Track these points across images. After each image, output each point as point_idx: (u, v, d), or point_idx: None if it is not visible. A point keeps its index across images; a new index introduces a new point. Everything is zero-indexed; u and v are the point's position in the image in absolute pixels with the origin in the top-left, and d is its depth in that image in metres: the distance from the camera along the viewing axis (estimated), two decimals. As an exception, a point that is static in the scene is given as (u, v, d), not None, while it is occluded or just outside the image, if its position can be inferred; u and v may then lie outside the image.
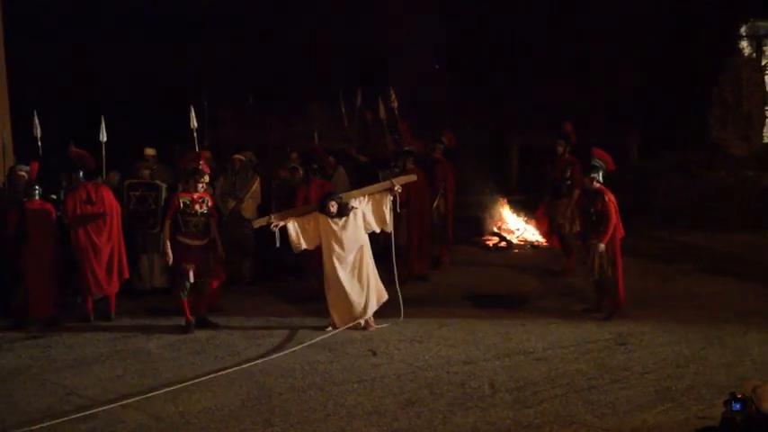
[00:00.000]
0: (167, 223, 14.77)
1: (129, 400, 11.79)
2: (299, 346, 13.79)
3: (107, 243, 15.39)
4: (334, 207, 14.37)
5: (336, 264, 14.47)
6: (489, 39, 24.27)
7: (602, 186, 15.13)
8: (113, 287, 15.52)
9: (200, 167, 15.07)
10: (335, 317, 14.61)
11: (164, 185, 16.70)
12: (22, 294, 15.10)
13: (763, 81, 24.21)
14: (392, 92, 19.24)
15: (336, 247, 14.45)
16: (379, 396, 11.76)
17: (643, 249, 19.27)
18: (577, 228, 15.97)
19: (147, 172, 16.88)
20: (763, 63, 24.78)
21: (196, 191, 14.82)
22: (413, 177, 15.56)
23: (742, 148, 23.34)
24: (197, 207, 14.74)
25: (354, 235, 14.47)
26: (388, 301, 14.83)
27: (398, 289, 14.97)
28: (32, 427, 11.00)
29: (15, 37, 20.62)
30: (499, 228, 21.03)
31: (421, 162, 17.88)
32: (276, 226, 14.53)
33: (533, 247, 20.25)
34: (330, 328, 14.47)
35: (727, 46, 23.98)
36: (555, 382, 12.05)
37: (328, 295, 14.64)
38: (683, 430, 10.42)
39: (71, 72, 23.07)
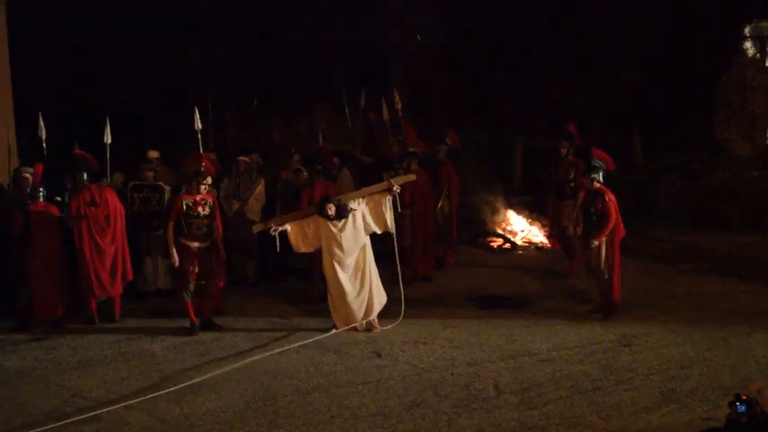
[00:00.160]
0: (170, 225, 14.77)
1: (133, 401, 11.81)
2: (303, 346, 13.79)
3: (111, 245, 15.40)
4: (331, 210, 14.36)
5: (337, 267, 14.46)
6: (489, 39, 24.24)
7: (603, 186, 15.15)
8: (117, 289, 15.52)
9: (203, 169, 15.08)
10: (337, 319, 14.61)
11: (167, 187, 16.70)
12: (27, 296, 15.12)
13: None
14: (396, 93, 19.23)
15: (336, 250, 14.44)
16: (383, 398, 11.76)
17: (646, 250, 19.28)
18: (580, 229, 15.97)
19: (150, 174, 16.88)
20: (766, 64, 24.75)
21: (199, 193, 14.82)
22: (411, 177, 15.53)
23: (746, 148, 23.34)
24: (200, 209, 14.74)
25: (354, 237, 14.45)
26: (392, 302, 14.82)
27: (402, 290, 14.95)
28: (37, 429, 11.02)
29: (19, 38, 20.67)
30: (503, 229, 21.02)
31: (425, 163, 17.88)
32: (275, 231, 14.55)
33: (537, 248, 20.24)
34: (333, 330, 14.47)
35: (730, 46, 23.97)
36: (559, 384, 12.05)
37: (330, 297, 14.65)
38: (687, 432, 10.44)
39: (74, 73, 23.07)
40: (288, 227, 14.57)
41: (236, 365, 13.09)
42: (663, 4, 23.78)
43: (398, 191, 14.63)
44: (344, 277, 14.48)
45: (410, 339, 14.11)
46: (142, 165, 17.15)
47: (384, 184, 14.76)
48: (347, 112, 21.26)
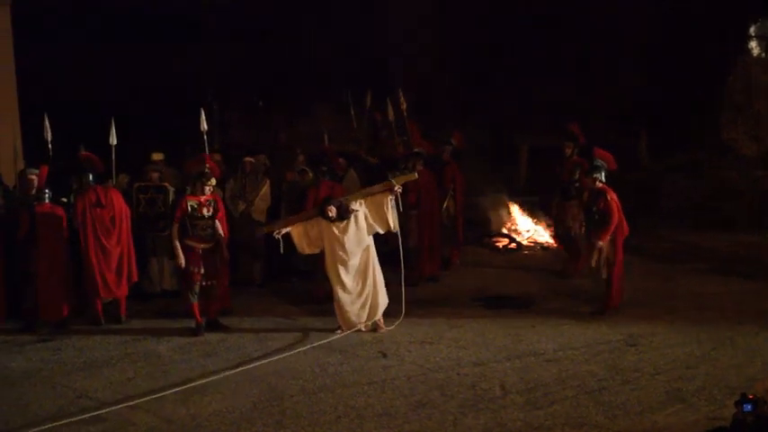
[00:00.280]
0: (175, 227, 14.78)
1: (138, 401, 11.82)
2: (309, 347, 13.80)
3: (116, 246, 15.41)
4: (332, 211, 14.33)
5: (340, 268, 14.45)
6: (492, 38, 24.22)
7: (605, 186, 15.17)
8: (123, 290, 15.54)
9: (207, 170, 15.09)
10: (341, 320, 14.61)
11: (171, 189, 16.71)
12: (33, 297, 15.13)
13: (773, 81, 24.16)
14: (401, 93, 19.23)
15: (339, 252, 14.43)
16: (389, 398, 11.76)
17: (652, 250, 19.27)
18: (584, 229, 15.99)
19: (155, 175, 16.87)
20: (772, 63, 24.73)
21: (203, 194, 14.83)
22: (413, 176, 15.49)
23: (752, 148, 23.30)
24: (204, 210, 14.76)
25: (357, 238, 14.43)
26: (395, 302, 14.81)
27: (403, 291, 14.92)
28: (42, 427, 11.04)
29: (23, 40, 20.69)
30: (509, 229, 21.01)
31: (430, 164, 17.88)
32: (279, 233, 14.57)
33: (543, 248, 20.23)
34: (339, 331, 14.47)
35: (736, 46, 23.94)
36: (566, 384, 12.04)
37: (334, 298, 14.66)
38: (693, 431, 10.40)
39: (79, 75, 23.08)
40: (291, 229, 14.59)
41: (243, 366, 13.09)
42: (667, 3, 23.76)
43: (400, 190, 14.58)
44: (347, 279, 14.47)
45: (416, 339, 14.11)
46: (147, 166, 17.16)
47: (386, 184, 14.71)
48: (352, 112, 21.24)
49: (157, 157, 17.55)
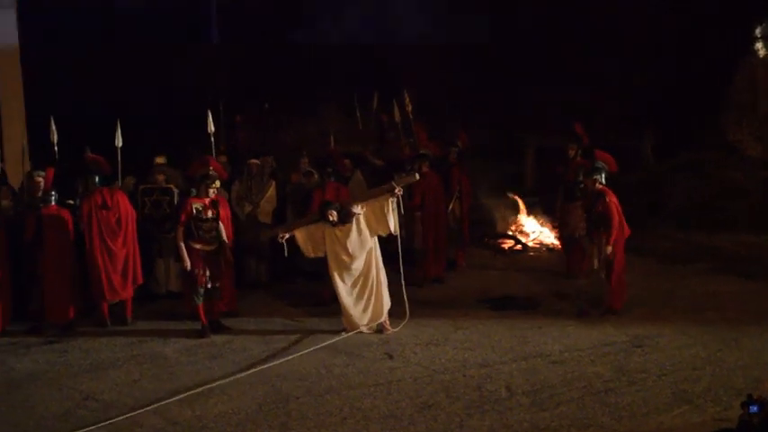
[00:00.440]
0: (180, 229, 14.80)
1: (147, 406, 11.83)
2: (315, 348, 13.80)
3: (122, 248, 15.42)
4: (333, 215, 14.32)
5: (343, 271, 14.47)
6: (499, 39, 24.22)
7: (605, 187, 15.19)
8: (128, 292, 15.55)
9: (211, 172, 15.11)
10: (345, 322, 14.62)
11: (176, 191, 16.72)
12: (39, 299, 15.15)
13: (779, 82, 24.13)
14: (406, 95, 19.23)
15: (342, 254, 14.43)
16: (395, 399, 11.77)
17: (657, 250, 19.24)
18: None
19: (161, 177, 16.88)
20: (778, 64, 24.69)
21: (208, 196, 14.84)
22: (414, 178, 15.48)
23: (757, 149, 23.26)
24: (209, 213, 14.77)
25: (359, 241, 14.42)
26: (399, 303, 14.80)
27: (404, 291, 14.91)
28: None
29: (29, 42, 20.72)
30: (514, 231, 21.00)
31: (436, 165, 17.88)
32: (282, 238, 14.60)
33: (549, 249, 20.21)
34: (344, 332, 14.48)
35: (741, 47, 23.91)
36: (572, 385, 12.04)
37: (339, 300, 14.67)
38: (700, 432, 10.43)
39: (85, 76, 23.11)
40: (296, 233, 14.61)
41: (248, 368, 13.10)
42: (673, 4, 23.73)
43: (401, 192, 14.55)
44: (350, 281, 14.49)
45: (422, 341, 14.11)
46: (152, 168, 17.17)
47: (387, 187, 14.69)
48: (358, 114, 21.25)
49: (160, 160, 17.55)
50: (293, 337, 14.53)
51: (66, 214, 15.32)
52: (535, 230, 20.91)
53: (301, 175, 17.70)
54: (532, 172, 25.04)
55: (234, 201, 17.18)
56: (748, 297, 15.95)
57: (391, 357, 13.44)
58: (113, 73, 23.11)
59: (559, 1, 23.93)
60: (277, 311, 16.09)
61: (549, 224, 20.64)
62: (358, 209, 14.39)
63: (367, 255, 14.48)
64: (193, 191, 15.38)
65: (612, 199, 15.03)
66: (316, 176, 17.28)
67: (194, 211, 14.70)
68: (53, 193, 15.29)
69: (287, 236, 14.61)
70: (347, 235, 14.36)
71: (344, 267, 14.45)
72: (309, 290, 16.82)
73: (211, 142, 17.21)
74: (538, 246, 20.48)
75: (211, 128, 17.14)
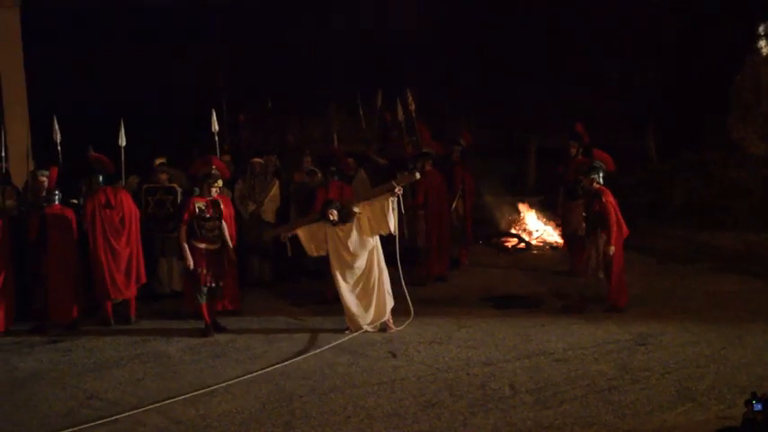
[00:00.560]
0: (183, 228, 14.81)
1: (150, 405, 11.84)
2: (319, 349, 13.80)
3: (126, 247, 15.43)
4: (333, 215, 14.34)
5: (344, 271, 14.48)
6: (502, 38, 24.21)
7: (602, 187, 15.22)
8: (131, 291, 15.56)
9: (214, 172, 15.11)
10: (348, 321, 14.63)
11: (180, 190, 16.72)
12: (43, 298, 15.17)
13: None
14: (409, 94, 19.23)
15: (343, 253, 14.44)
16: (399, 398, 11.77)
17: (660, 249, 19.24)
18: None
19: (164, 176, 16.89)
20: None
21: (210, 195, 14.85)
22: (414, 177, 15.46)
23: (760, 147, 23.25)
24: (212, 212, 14.78)
25: (360, 240, 14.42)
26: (402, 302, 14.80)
27: (405, 290, 14.88)
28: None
29: (32, 42, 20.73)
30: (518, 229, 21.01)
31: (439, 164, 17.89)
32: (285, 237, 14.62)
33: (552, 248, 20.22)
34: (348, 331, 14.48)
35: (744, 45, 23.90)
36: (575, 383, 12.04)
37: (341, 299, 14.68)
38: (703, 430, 10.38)
39: (88, 76, 23.14)
40: (298, 232, 14.62)
41: (252, 367, 13.11)
42: (676, 2, 23.73)
43: (401, 192, 14.53)
44: (352, 281, 14.50)
45: (425, 339, 14.11)
46: (155, 167, 17.17)
47: (387, 186, 14.67)
48: (361, 113, 21.25)
49: (160, 161, 17.53)
50: (296, 336, 14.54)
51: (70, 214, 15.34)
52: (538, 229, 20.92)
53: (304, 174, 17.71)
54: (534, 171, 25.06)
55: (237, 200, 17.20)
56: (752, 295, 15.93)
57: (395, 356, 13.44)
58: (115, 72, 23.14)
59: (564, 0, 23.92)
60: (280, 310, 16.10)
61: (552, 222, 20.63)
62: (358, 208, 14.39)
63: (369, 254, 14.48)
64: (196, 190, 15.39)
65: (609, 199, 15.05)
66: (319, 175, 17.30)
67: (197, 210, 14.70)
68: (57, 192, 15.31)
69: (289, 235, 14.63)
70: (348, 234, 14.37)
71: (346, 266, 14.46)
72: (313, 289, 16.84)
73: (215, 141, 17.21)
74: (541, 244, 20.48)
75: (215, 127, 17.15)
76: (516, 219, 21.30)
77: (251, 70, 24.21)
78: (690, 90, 22.99)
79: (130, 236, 15.48)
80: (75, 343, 14.56)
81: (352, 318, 14.54)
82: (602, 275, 15.22)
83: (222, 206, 14.91)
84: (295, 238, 14.71)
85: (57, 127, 16.78)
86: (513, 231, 21.00)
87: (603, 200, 15.00)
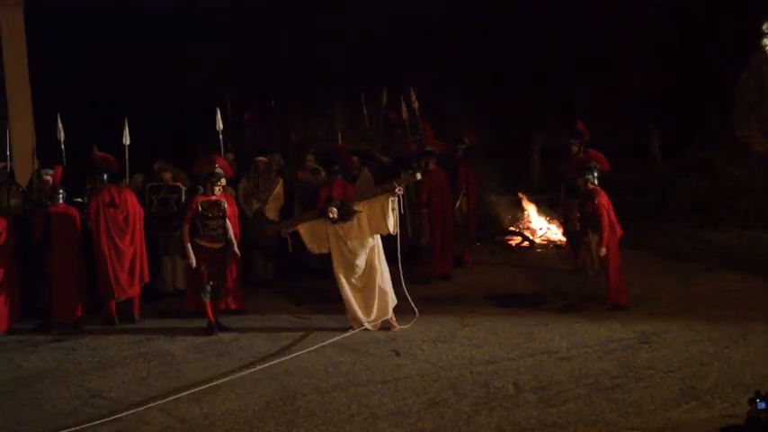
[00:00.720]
0: (186, 227, 14.82)
1: (154, 403, 11.85)
2: (323, 347, 13.81)
3: (129, 246, 15.44)
4: (333, 213, 14.33)
5: (346, 269, 14.49)
6: (505, 38, 24.20)
7: (596, 187, 15.25)
8: (135, 290, 15.56)
9: (217, 170, 15.11)
10: (351, 319, 14.63)
11: (184, 188, 16.73)
12: (47, 297, 15.19)
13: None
14: (413, 92, 19.22)
15: (344, 252, 14.45)
16: (402, 396, 11.77)
17: (664, 247, 19.22)
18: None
19: (168, 175, 16.89)
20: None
21: (214, 194, 14.85)
22: (414, 178, 15.46)
23: (765, 145, 23.20)
24: (215, 210, 14.78)
25: (360, 239, 14.42)
26: (406, 301, 14.79)
27: (405, 289, 14.86)
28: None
29: (35, 40, 20.74)
30: (522, 227, 21.00)
31: (443, 162, 17.89)
32: (285, 233, 14.64)
33: (556, 246, 20.20)
34: (351, 330, 14.48)
35: (749, 43, 23.86)
36: (579, 382, 12.03)
37: (343, 298, 14.68)
38: (707, 429, 10.37)
39: (92, 75, 23.15)
40: (299, 228, 14.63)
41: (256, 365, 13.11)
42: (678, 1, 23.72)
43: (401, 192, 14.51)
44: (353, 279, 14.50)
45: (429, 338, 14.11)
46: (159, 165, 17.16)
47: (388, 186, 14.65)
48: (365, 111, 21.25)
49: (158, 164, 17.42)
50: (300, 335, 14.54)
51: (74, 212, 15.36)
52: (542, 227, 20.91)
53: (308, 173, 17.71)
54: (538, 170, 25.03)
55: (241, 198, 17.20)
56: (756, 294, 15.89)
57: (398, 354, 13.44)
58: (119, 71, 23.15)
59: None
60: (284, 309, 16.11)
61: (555, 221, 20.62)
62: (358, 207, 14.38)
63: (369, 252, 14.47)
64: (200, 188, 15.40)
65: (602, 200, 15.06)
66: (323, 174, 17.30)
67: (200, 208, 14.71)
68: (61, 191, 15.32)
69: (290, 230, 14.64)
70: (348, 232, 14.38)
71: (347, 264, 14.47)
72: (316, 288, 16.83)
73: (219, 140, 17.21)
74: (545, 242, 20.47)
75: (220, 125, 17.15)
76: (520, 217, 21.28)
77: (255, 69, 24.21)
78: (693, 89, 22.96)
79: (134, 234, 15.49)
80: (78, 342, 14.58)
81: (355, 316, 14.55)
82: (597, 273, 15.23)
83: (226, 205, 14.92)
84: (296, 235, 14.71)
85: (60, 125, 16.78)
86: (517, 230, 20.97)
87: (596, 201, 15.02)
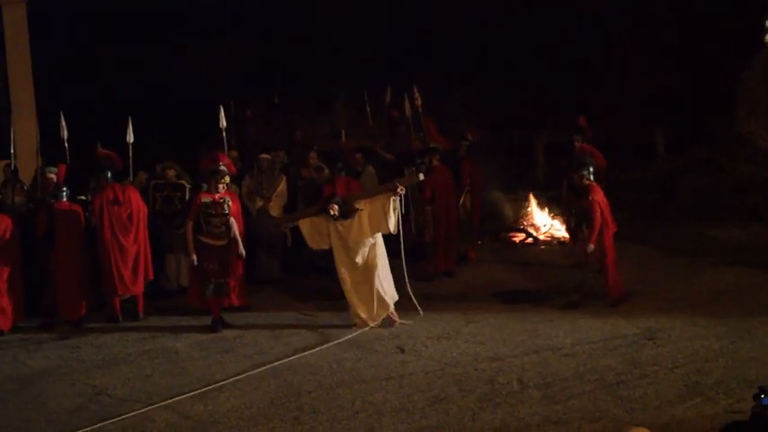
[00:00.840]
0: (189, 223, 14.84)
1: (160, 401, 11.87)
2: (327, 345, 13.81)
3: (133, 244, 15.44)
4: (334, 210, 14.31)
5: (347, 266, 14.50)
6: (508, 35, 24.20)
7: (592, 183, 15.26)
8: (139, 287, 15.56)
9: (221, 168, 15.11)
10: (353, 315, 14.63)
11: (188, 186, 16.72)
12: (52, 295, 15.20)
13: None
14: (416, 90, 19.21)
15: (344, 249, 14.46)
16: (407, 393, 11.78)
17: (669, 244, 19.16)
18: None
19: (172, 172, 16.88)
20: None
21: (217, 192, 14.85)
22: (417, 178, 15.46)
23: (768, 140, 23.20)
24: (218, 208, 14.79)
25: (360, 237, 14.41)
26: (409, 298, 14.79)
27: (408, 286, 14.86)
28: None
29: (38, 39, 20.77)
30: (525, 224, 20.98)
31: (447, 159, 17.87)
32: (286, 228, 14.64)
33: (560, 242, 20.18)
34: (355, 327, 14.48)
35: (752, 39, 23.84)
36: (583, 378, 12.03)
37: (345, 294, 14.68)
38: (712, 425, 10.35)
39: (95, 74, 23.18)
40: (300, 224, 14.64)
41: (260, 362, 13.12)
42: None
43: (403, 192, 14.48)
44: (354, 276, 14.49)
45: (433, 335, 14.12)
46: (163, 163, 17.15)
47: (390, 185, 14.63)
48: (368, 109, 21.25)
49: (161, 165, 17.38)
50: (304, 332, 14.56)
51: (78, 210, 15.37)
52: (546, 224, 20.88)
53: (312, 170, 17.70)
54: (542, 166, 25.00)
55: (245, 196, 17.18)
56: (760, 289, 15.85)
57: (403, 351, 13.45)
58: (123, 69, 23.17)
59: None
60: (288, 306, 16.10)
61: (559, 217, 20.59)
62: (360, 205, 14.37)
63: (369, 250, 14.46)
64: (204, 186, 15.40)
65: (596, 197, 15.06)
66: (326, 171, 17.27)
67: (203, 205, 14.72)
68: (65, 188, 15.33)
69: (290, 225, 14.65)
70: (349, 230, 14.37)
71: (348, 261, 14.47)
72: (322, 285, 16.79)
73: (223, 137, 17.21)
74: (549, 239, 20.44)
75: (223, 123, 17.15)
76: (524, 214, 21.26)
77: (256, 68, 24.23)
78: (696, 86, 22.95)
79: (138, 232, 15.49)
80: (83, 339, 14.60)
81: (357, 313, 14.55)
82: (596, 271, 15.27)
83: (230, 203, 14.93)
84: (297, 230, 14.71)
85: (64, 123, 16.78)
86: (521, 226, 20.95)
87: (590, 197, 15.03)
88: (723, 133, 23.05)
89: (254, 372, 12.76)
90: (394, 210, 14.23)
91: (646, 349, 13.06)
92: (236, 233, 14.89)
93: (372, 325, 14.50)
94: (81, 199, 15.94)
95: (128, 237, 15.36)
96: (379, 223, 14.32)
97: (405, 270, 14.83)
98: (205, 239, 14.78)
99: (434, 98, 20.60)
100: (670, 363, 12.45)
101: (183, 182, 16.79)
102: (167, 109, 22.35)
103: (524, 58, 23.92)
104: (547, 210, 21.11)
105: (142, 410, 11.56)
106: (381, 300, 14.52)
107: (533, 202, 21.39)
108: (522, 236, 20.59)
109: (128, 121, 16.61)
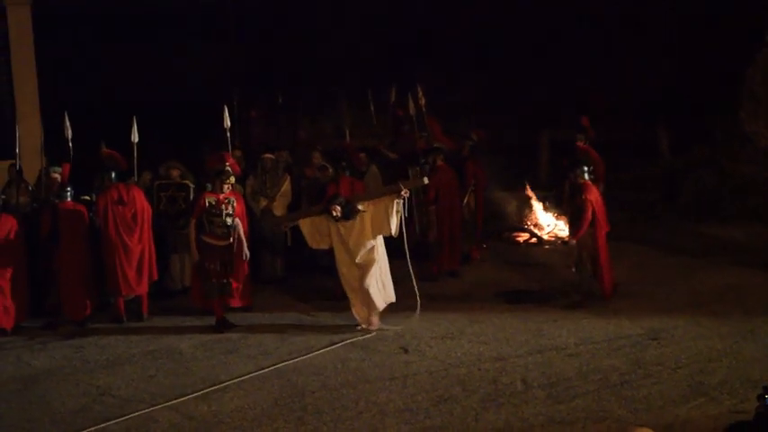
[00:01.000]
0: (193, 222, 14.85)
1: (164, 402, 11.87)
2: (331, 345, 13.81)
3: (138, 244, 15.43)
4: (336, 210, 14.29)
5: (348, 266, 14.50)
6: (508, 35, 24.21)
7: (587, 182, 15.28)
8: (143, 288, 15.56)
9: (227, 168, 15.12)
10: (355, 313, 14.63)
11: (192, 186, 16.72)
12: (56, 294, 15.21)
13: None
14: (420, 89, 19.20)
15: (345, 250, 14.45)
16: (411, 393, 11.79)
17: (672, 243, 19.18)
18: None
19: (176, 172, 16.88)
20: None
21: (222, 192, 14.86)
22: (422, 182, 15.46)
23: (771, 139, 23.18)
24: (222, 208, 14.79)
25: (361, 238, 14.41)
26: (412, 297, 14.77)
27: (415, 285, 14.85)
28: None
29: (43, 39, 20.78)
30: (529, 224, 20.97)
31: (451, 159, 17.87)
32: (286, 227, 14.63)
33: (564, 242, 20.16)
34: (359, 328, 14.48)
35: (755, 38, 23.82)
36: (587, 378, 12.04)
37: (347, 295, 14.69)
38: (716, 425, 10.38)
39: (99, 73, 23.20)
40: (300, 223, 14.64)
41: (264, 362, 13.13)
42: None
43: (407, 195, 14.45)
44: (356, 276, 14.48)
45: (437, 335, 14.12)
46: (167, 163, 17.15)
47: (394, 187, 14.62)
48: (372, 108, 21.25)
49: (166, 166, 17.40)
50: (308, 332, 14.56)
51: (83, 209, 15.36)
52: (549, 223, 20.88)
53: (315, 170, 17.71)
54: (546, 166, 25.00)
55: (249, 196, 17.18)
56: (764, 289, 15.86)
57: (406, 351, 13.45)
58: (127, 69, 23.19)
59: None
60: (292, 306, 16.10)
61: (563, 217, 20.59)
62: (362, 207, 14.36)
63: (369, 252, 14.44)
64: (208, 186, 15.41)
65: (590, 196, 15.09)
66: (330, 171, 17.28)
67: (207, 205, 14.73)
68: (69, 188, 15.34)
69: (290, 225, 14.66)
70: (350, 231, 14.36)
71: (349, 261, 14.46)
72: (325, 285, 16.79)
73: (227, 137, 17.21)
74: (553, 239, 20.44)
75: (227, 123, 17.14)
76: (527, 213, 21.25)
77: (257, 68, 24.25)
78: (698, 85, 22.95)
79: (142, 232, 15.49)
80: (87, 340, 14.61)
81: (359, 313, 14.55)
82: (590, 270, 15.27)
83: (235, 203, 14.94)
84: (297, 229, 14.71)
85: (68, 123, 16.78)
86: (525, 226, 20.94)
87: (583, 196, 15.06)
88: (724, 133, 23.05)
89: (257, 372, 12.76)
90: (396, 213, 14.21)
91: (649, 349, 13.07)
92: (241, 233, 14.89)
93: (372, 328, 14.48)
94: (85, 199, 15.93)
95: (132, 237, 15.36)
96: (381, 225, 14.30)
97: (411, 270, 14.78)
98: (208, 239, 14.79)
99: (435, 98, 20.61)
100: (674, 363, 12.46)
101: (187, 182, 16.79)
102: (167, 109, 22.35)
103: (524, 58, 23.92)
104: (550, 209, 21.12)
105: (146, 411, 11.58)
106: (376, 301, 14.48)
107: (536, 201, 21.39)
108: (525, 235, 20.59)
109: (132, 121, 16.59)
